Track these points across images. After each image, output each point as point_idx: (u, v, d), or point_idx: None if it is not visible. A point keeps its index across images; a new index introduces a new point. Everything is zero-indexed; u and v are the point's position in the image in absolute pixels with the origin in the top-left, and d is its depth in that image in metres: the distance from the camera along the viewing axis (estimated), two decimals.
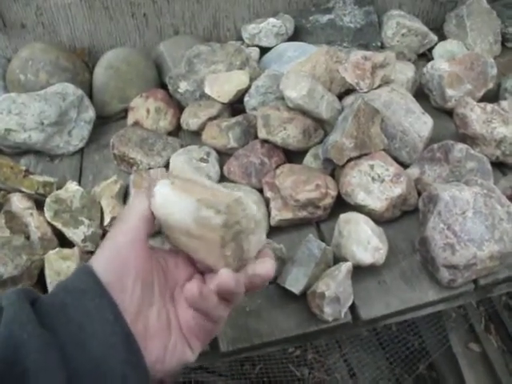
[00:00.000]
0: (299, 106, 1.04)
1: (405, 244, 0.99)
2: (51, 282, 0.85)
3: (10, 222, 0.96)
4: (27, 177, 1.04)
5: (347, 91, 1.14)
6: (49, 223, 0.97)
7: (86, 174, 1.17)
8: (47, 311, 0.52)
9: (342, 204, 1.00)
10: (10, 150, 1.18)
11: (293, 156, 1.10)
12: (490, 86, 1.22)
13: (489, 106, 1.09)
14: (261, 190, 1.03)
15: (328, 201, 0.97)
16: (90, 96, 1.27)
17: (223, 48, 1.22)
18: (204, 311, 0.58)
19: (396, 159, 1.07)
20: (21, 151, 1.20)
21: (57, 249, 0.90)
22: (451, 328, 1.51)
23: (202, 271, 0.63)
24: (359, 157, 1.00)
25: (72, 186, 1.02)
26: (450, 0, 1.47)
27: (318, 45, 1.31)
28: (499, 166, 1.11)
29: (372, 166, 0.99)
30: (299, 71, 1.09)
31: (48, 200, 0.98)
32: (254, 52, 1.32)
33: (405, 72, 1.20)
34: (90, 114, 1.20)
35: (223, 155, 1.12)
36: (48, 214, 0.97)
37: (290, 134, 1.04)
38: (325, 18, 1.37)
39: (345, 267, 0.86)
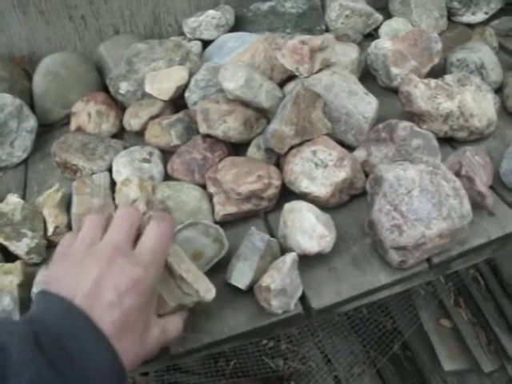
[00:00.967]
0: (238, 97, 1.02)
1: (355, 229, 0.97)
2: None
3: None
4: None
5: (289, 78, 1.12)
6: None
7: (30, 184, 1.14)
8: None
9: (289, 193, 0.98)
10: None
11: (237, 148, 1.09)
12: (436, 61, 1.21)
13: (433, 82, 1.08)
14: (204, 186, 1.01)
15: (272, 191, 0.95)
16: (32, 104, 1.23)
17: (162, 44, 1.19)
18: None
19: (342, 143, 1.05)
20: None
21: None
22: (421, 306, 1.51)
23: None
24: (301, 143, 0.98)
25: (13, 199, 1.00)
26: None
27: (260, 33, 1.29)
28: (449, 141, 1.10)
29: (314, 152, 0.97)
30: (237, 62, 1.07)
31: None
32: (196, 46, 1.29)
33: (348, 54, 1.19)
34: (31, 123, 1.17)
35: (167, 154, 1.10)
36: None
37: (230, 126, 1.02)
38: (266, 6, 1.34)
39: (289, 258, 0.84)
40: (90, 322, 0.56)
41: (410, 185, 0.90)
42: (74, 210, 0.97)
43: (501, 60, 1.23)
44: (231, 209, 0.95)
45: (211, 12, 1.30)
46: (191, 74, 1.14)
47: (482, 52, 1.19)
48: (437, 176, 0.91)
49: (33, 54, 1.34)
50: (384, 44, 1.18)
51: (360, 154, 1.04)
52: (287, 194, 0.98)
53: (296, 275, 0.86)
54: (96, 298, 0.59)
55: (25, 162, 1.19)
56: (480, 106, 1.07)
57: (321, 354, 1.53)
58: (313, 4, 1.36)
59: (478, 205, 0.96)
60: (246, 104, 1.04)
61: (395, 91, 1.21)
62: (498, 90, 1.20)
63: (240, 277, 0.86)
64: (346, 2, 1.34)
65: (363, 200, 1.00)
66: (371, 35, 1.40)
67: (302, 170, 0.95)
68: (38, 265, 0.96)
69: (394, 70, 1.17)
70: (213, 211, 0.97)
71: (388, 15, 1.43)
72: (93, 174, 1.06)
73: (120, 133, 1.20)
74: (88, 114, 1.17)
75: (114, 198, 1.00)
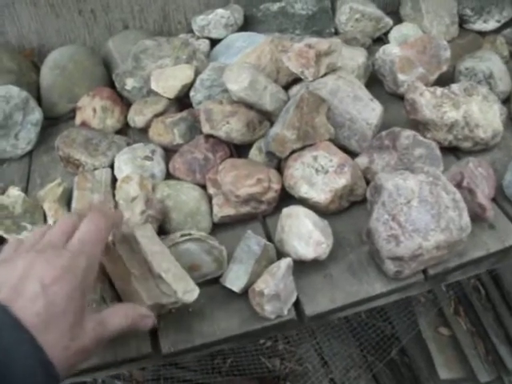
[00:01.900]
0: (242, 99, 1.02)
1: (353, 236, 0.97)
2: None
3: None
4: None
5: (295, 81, 1.12)
6: None
7: (33, 177, 1.15)
8: None
9: (288, 197, 0.98)
10: None
11: (239, 150, 1.09)
12: (444, 68, 1.20)
13: (439, 90, 1.07)
14: (205, 187, 1.01)
15: (271, 195, 0.95)
16: (39, 97, 1.24)
17: (169, 42, 1.19)
18: None
19: (345, 148, 1.05)
20: None
21: None
22: (420, 313, 1.50)
23: None
24: (303, 148, 0.98)
25: (14, 192, 1.00)
26: None
27: (269, 34, 1.28)
28: (453, 150, 1.09)
29: (315, 158, 0.97)
30: (243, 63, 1.07)
31: None
32: (204, 44, 1.29)
33: (356, 58, 1.18)
34: (37, 115, 1.17)
35: (170, 152, 1.10)
36: None
37: (233, 127, 1.02)
38: (275, 6, 1.34)
39: (284, 263, 0.84)
40: (8, 312, 0.53)
41: (409, 195, 0.89)
42: (74, 204, 0.98)
43: (510, 69, 1.21)
44: (229, 211, 0.95)
45: (220, 11, 1.29)
46: (197, 73, 1.14)
47: (492, 61, 1.18)
48: (437, 187, 0.90)
49: (42, 46, 1.35)
50: (392, 50, 1.17)
51: (362, 160, 1.03)
52: (287, 198, 0.98)
53: (290, 281, 0.86)
54: (20, 291, 0.56)
55: (29, 154, 1.20)
56: (486, 116, 1.06)
57: (318, 356, 1.53)
58: (323, 6, 1.35)
59: (478, 217, 0.95)
60: (249, 106, 1.04)
61: (402, 98, 1.19)
62: (506, 101, 1.18)
63: (235, 280, 0.86)
64: (357, 5, 1.33)
65: (363, 207, 0.99)
66: (381, 39, 1.39)
67: (302, 175, 0.95)
68: None
69: (401, 77, 1.16)
70: (211, 212, 0.97)
71: (399, 20, 1.41)
72: (95, 169, 1.07)
73: (124, 129, 1.20)
74: (93, 109, 1.17)
75: (114, 195, 1.01)
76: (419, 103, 1.05)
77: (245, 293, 0.86)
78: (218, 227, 0.98)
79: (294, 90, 1.08)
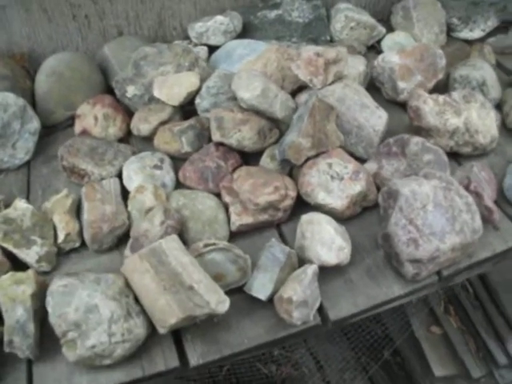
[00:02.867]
0: (253, 107, 1.02)
1: (367, 240, 0.99)
2: (6, 309, 0.80)
3: None
4: None
5: (300, 88, 1.13)
6: None
7: (34, 188, 1.11)
8: None
9: (301, 204, 0.99)
10: None
11: (249, 157, 1.09)
12: (440, 76, 1.24)
13: (441, 98, 1.10)
14: (219, 195, 1.00)
15: (288, 202, 0.96)
16: (33, 105, 1.20)
17: (170, 49, 1.18)
18: None
19: (352, 155, 1.07)
20: None
21: (9, 273, 0.84)
22: (412, 313, 1.54)
23: None
24: (317, 155, 0.99)
25: (21, 204, 0.97)
26: None
27: (266, 41, 1.29)
28: (454, 156, 1.13)
29: (330, 165, 0.98)
30: (251, 70, 1.07)
31: None
32: (203, 51, 1.28)
33: (356, 66, 1.20)
34: (35, 124, 1.14)
35: (177, 160, 1.09)
36: None
37: (245, 135, 1.02)
38: (273, 14, 1.35)
39: (310, 270, 0.85)
40: None
41: (424, 199, 0.92)
42: (86, 216, 0.95)
43: (498, 77, 1.27)
44: (248, 219, 0.95)
45: (219, 18, 1.29)
46: (201, 80, 1.13)
47: (484, 69, 1.22)
48: (450, 192, 0.93)
49: (33, 51, 1.31)
50: (391, 58, 1.20)
51: (371, 166, 1.05)
52: (301, 205, 0.99)
53: (316, 287, 0.87)
54: None
55: (27, 164, 1.16)
56: (484, 122, 1.10)
57: (313, 360, 1.54)
58: (319, 14, 1.37)
59: (484, 219, 0.98)
60: (259, 113, 1.04)
61: (400, 104, 1.24)
62: (497, 107, 1.23)
63: (261, 288, 0.86)
64: (352, 13, 1.35)
65: (375, 212, 1.02)
66: (374, 47, 1.42)
67: (319, 182, 0.96)
68: (47, 273, 0.94)
69: (401, 84, 1.19)
70: (229, 221, 0.96)
71: (389, 28, 1.45)
72: (102, 179, 1.04)
73: (126, 137, 1.18)
74: (94, 117, 1.14)
75: (125, 205, 0.99)
76: (423, 110, 1.08)
77: (268, 301, 0.86)
78: (235, 235, 0.97)
79: (302, 97, 1.09)
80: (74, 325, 0.79)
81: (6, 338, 0.79)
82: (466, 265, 0.97)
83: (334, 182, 0.97)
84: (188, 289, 0.78)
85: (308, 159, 0.99)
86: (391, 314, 1.54)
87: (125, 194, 1.01)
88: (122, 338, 0.79)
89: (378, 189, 1.01)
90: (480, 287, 1.53)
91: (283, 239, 0.99)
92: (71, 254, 0.98)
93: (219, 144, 1.05)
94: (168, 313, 0.78)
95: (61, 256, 0.97)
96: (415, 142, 1.02)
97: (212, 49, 1.33)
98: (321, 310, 0.89)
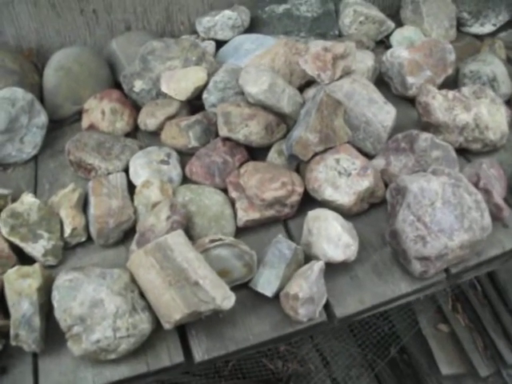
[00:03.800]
0: (260, 102, 1.01)
1: (374, 237, 0.98)
2: (13, 304, 0.80)
3: None
4: None
5: (308, 83, 1.12)
6: (5, 239, 0.92)
7: (41, 182, 1.11)
8: None
9: (308, 200, 0.98)
10: None
11: (256, 153, 1.08)
12: (450, 71, 1.22)
13: (450, 93, 1.09)
14: (225, 190, 1.00)
15: (295, 198, 0.95)
16: (41, 99, 1.20)
17: (178, 43, 1.18)
18: None
19: (360, 150, 1.06)
20: None
21: (16, 266, 0.84)
22: (420, 311, 1.53)
23: None
24: (324, 151, 0.98)
25: (28, 198, 0.97)
26: None
27: (275, 36, 1.28)
28: (463, 152, 1.12)
29: (338, 160, 0.97)
30: (258, 65, 1.07)
31: (3, 215, 0.93)
32: (210, 46, 1.28)
33: (365, 61, 1.19)
34: (43, 118, 1.14)
35: (184, 155, 1.09)
36: (4, 230, 0.92)
37: (252, 130, 1.01)
38: (281, 8, 1.34)
39: (317, 267, 0.84)
40: None
41: (433, 196, 0.91)
42: (92, 211, 0.95)
43: (509, 72, 1.25)
44: (254, 215, 0.95)
45: (227, 12, 1.28)
46: (208, 75, 1.13)
47: (494, 64, 1.21)
48: (459, 188, 0.92)
49: (41, 46, 1.31)
50: (400, 53, 1.19)
51: (379, 162, 1.04)
52: (308, 200, 0.98)
53: (322, 283, 0.86)
54: None
55: (34, 158, 1.17)
56: (494, 118, 1.09)
57: (319, 357, 1.53)
58: (327, 9, 1.36)
59: (493, 217, 0.97)
60: (267, 108, 1.03)
61: (409, 100, 1.22)
62: (508, 102, 1.21)
63: (267, 284, 0.86)
64: (361, 8, 1.34)
65: (382, 209, 1.01)
66: (382, 42, 1.41)
67: (326, 178, 0.95)
68: (53, 267, 0.94)
69: (410, 80, 1.18)
70: (235, 216, 0.96)
71: (398, 22, 1.44)
72: (108, 174, 1.04)
73: (133, 132, 1.18)
74: (102, 112, 1.14)
75: (131, 200, 0.99)
76: (432, 106, 1.07)
77: (274, 297, 0.86)
78: (241, 231, 0.97)
79: (310, 92, 1.08)
80: (79, 319, 0.79)
81: (12, 332, 0.80)
82: (474, 263, 0.95)
83: (342, 178, 0.96)
84: (193, 284, 0.78)
85: (315, 155, 0.98)
86: (398, 312, 1.52)
87: (132, 188, 1.01)
88: (126, 333, 0.79)
89: (386, 185, 1.00)
90: (488, 285, 1.51)
91: (290, 235, 0.98)
92: (77, 249, 0.98)
93: (226, 139, 1.05)
94: (173, 308, 0.78)
95: (67, 250, 0.97)
96: (424, 138, 1.01)
97: (220, 43, 1.32)
98: (327, 306, 0.88)
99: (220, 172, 1.02)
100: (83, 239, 0.98)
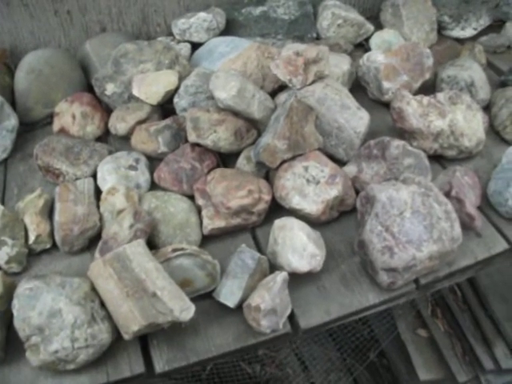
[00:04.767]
0: (230, 107, 1.00)
1: (344, 246, 0.97)
2: None
3: None
4: None
5: (281, 87, 1.11)
6: None
7: (10, 186, 1.10)
8: None
9: (277, 208, 0.97)
10: None
11: (227, 158, 1.07)
12: (427, 76, 1.21)
13: (425, 99, 1.07)
14: (193, 197, 0.98)
15: (262, 206, 0.94)
16: (13, 101, 1.19)
17: (151, 46, 1.16)
18: None
19: (332, 157, 1.05)
20: None
21: None
22: (399, 315, 1.52)
23: None
24: (293, 158, 0.97)
25: None
26: None
27: (251, 38, 1.27)
28: (438, 158, 1.10)
29: (306, 168, 0.96)
30: (229, 69, 1.05)
31: None
32: (185, 48, 1.26)
33: (340, 65, 1.18)
34: (12, 121, 1.12)
35: (154, 161, 1.07)
36: None
37: (220, 136, 1.00)
38: (257, 10, 1.32)
39: (280, 277, 0.83)
40: None
41: (402, 206, 0.89)
42: (57, 217, 0.94)
43: (488, 77, 1.24)
44: (220, 223, 0.93)
45: (202, 14, 1.26)
46: (181, 79, 1.11)
47: (473, 70, 1.19)
48: (429, 198, 0.91)
49: (15, 47, 1.29)
50: (377, 57, 1.17)
51: (351, 169, 1.03)
52: (277, 208, 0.97)
53: (286, 294, 0.85)
54: None
55: (4, 162, 1.15)
56: (470, 125, 1.07)
57: (298, 361, 1.53)
58: (305, 11, 1.34)
59: (466, 226, 0.96)
60: (236, 114, 1.02)
61: (385, 105, 1.21)
62: (486, 108, 1.20)
63: (229, 295, 0.84)
64: (339, 10, 1.32)
65: (352, 217, 0.99)
66: (362, 45, 1.39)
67: (294, 186, 0.94)
68: (17, 274, 0.93)
69: (386, 84, 1.17)
70: (201, 224, 0.95)
71: (379, 25, 1.42)
72: (76, 179, 1.03)
73: (104, 136, 1.17)
74: (72, 116, 1.13)
75: (98, 206, 0.97)
76: (406, 112, 1.05)
77: (238, 307, 0.85)
78: (207, 239, 0.96)
79: (282, 97, 1.07)
80: (37, 329, 0.77)
81: None
82: (445, 273, 0.94)
83: (310, 186, 0.94)
84: (151, 296, 0.76)
85: (284, 162, 0.96)
86: (377, 316, 1.51)
87: (100, 194, 1.00)
88: (85, 344, 0.77)
89: (358, 192, 0.98)
90: (469, 290, 1.50)
91: (257, 243, 0.97)
92: (43, 255, 0.96)
93: (195, 145, 1.03)
94: (131, 320, 0.76)
95: (32, 257, 0.96)
96: (396, 145, 1.00)
97: (196, 46, 1.30)
98: (292, 317, 0.87)
99: (188, 178, 1.00)
100: (48, 246, 0.96)
